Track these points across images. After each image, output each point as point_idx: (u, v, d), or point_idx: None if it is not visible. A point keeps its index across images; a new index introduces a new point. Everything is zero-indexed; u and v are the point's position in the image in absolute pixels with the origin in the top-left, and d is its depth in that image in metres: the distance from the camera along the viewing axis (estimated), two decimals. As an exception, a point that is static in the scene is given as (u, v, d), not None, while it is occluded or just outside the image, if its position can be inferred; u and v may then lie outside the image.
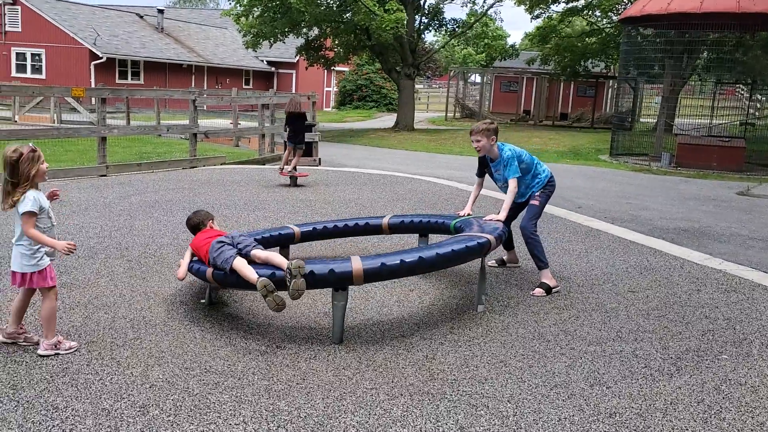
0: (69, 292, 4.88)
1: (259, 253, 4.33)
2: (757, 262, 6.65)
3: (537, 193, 5.51)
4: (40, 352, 3.80)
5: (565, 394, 3.58)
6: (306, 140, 13.15)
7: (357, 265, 4.07)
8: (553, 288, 5.33)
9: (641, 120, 22.52)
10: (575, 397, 3.55)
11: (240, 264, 4.18)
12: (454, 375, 3.76)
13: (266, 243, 5.24)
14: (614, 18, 27.31)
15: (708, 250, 7.12)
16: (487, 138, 5.37)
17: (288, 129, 10.85)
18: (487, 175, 5.77)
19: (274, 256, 4.31)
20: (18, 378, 3.51)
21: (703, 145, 16.64)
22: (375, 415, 3.28)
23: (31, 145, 3.77)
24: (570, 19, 29.68)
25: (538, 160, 5.68)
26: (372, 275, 4.13)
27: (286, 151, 10.91)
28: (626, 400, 3.54)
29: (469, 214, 5.59)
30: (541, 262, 5.37)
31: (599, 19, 29.74)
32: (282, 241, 5.66)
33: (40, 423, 3.08)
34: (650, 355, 4.16)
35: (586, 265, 6.21)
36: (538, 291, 5.26)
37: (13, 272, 3.79)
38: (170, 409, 3.27)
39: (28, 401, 3.27)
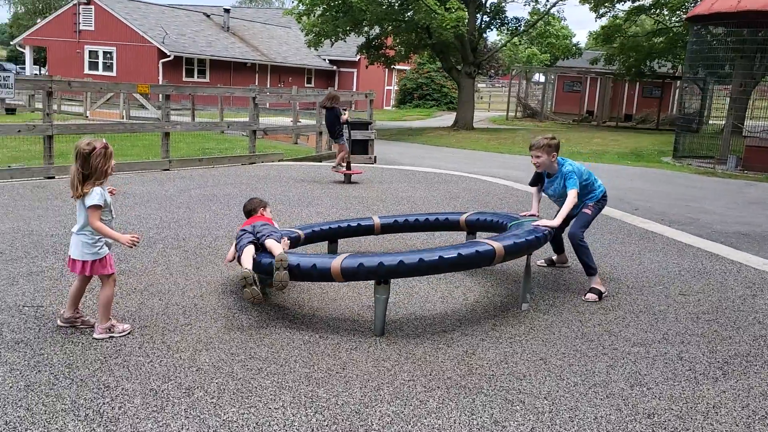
0: (126, 279, 5.10)
1: (268, 242, 4.52)
2: (819, 269, 6.42)
3: (590, 204, 5.42)
4: (95, 335, 3.99)
5: (603, 394, 3.56)
6: (361, 138, 13.33)
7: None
8: (603, 293, 5.25)
9: (710, 122, 21.88)
10: (614, 396, 3.53)
11: (245, 252, 4.43)
12: (492, 370, 3.78)
13: (345, 233, 5.78)
14: (683, 16, 26.59)
15: (768, 255, 6.92)
16: (548, 154, 5.23)
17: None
18: None
19: (274, 247, 4.43)
20: (73, 358, 3.70)
21: (772, 148, 16.06)
22: (410, 405, 3.34)
23: (104, 141, 3.95)
24: (636, 18, 29.03)
25: (595, 176, 5.58)
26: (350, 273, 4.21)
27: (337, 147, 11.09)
28: (666, 402, 3.50)
29: (533, 215, 5.47)
30: (590, 269, 5.26)
31: (667, 17, 28.99)
32: (360, 232, 5.89)
33: (91, 400, 3.25)
34: (696, 359, 4.09)
35: (638, 267, 6.12)
36: (591, 296, 5.15)
37: (74, 260, 3.98)
38: (214, 391, 3.40)
39: (81, 380, 3.45)
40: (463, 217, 5.84)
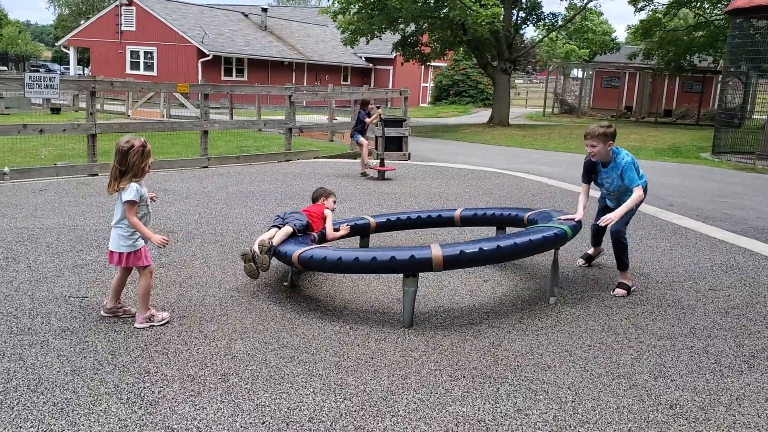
0: (166, 271, 5.31)
1: (284, 227, 5.08)
2: None
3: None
4: (136, 325, 4.19)
5: (627, 385, 3.62)
6: (396, 135, 13.46)
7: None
8: (632, 288, 5.26)
9: (753, 117, 21.44)
10: (637, 387, 3.60)
11: (264, 234, 5.07)
12: (517, 361, 3.87)
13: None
14: (723, 10, 26.11)
15: (804, 251, 6.84)
16: (604, 143, 5.04)
17: None
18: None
19: (278, 234, 4.99)
20: (116, 345, 3.90)
21: (814, 143, 15.72)
22: (436, 393, 3.45)
23: (142, 139, 4.14)
24: (676, 11, 28.60)
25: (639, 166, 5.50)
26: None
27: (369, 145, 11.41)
28: (689, 394, 3.55)
29: (570, 218, 5.12)
30: (624, 265, 5.25)
31: (707, 11, 28.49)
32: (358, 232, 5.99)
33: (133, 384, 3.43)
34: (722, 352, 4.12)
35: (669, 263, 6.13)
36: (620, 291, 5.17)
37: (111, 252, 4.19)
38: (248, 378, 3.55)
39: (124, 365, 3.64)
40: (457, 213, 6.00)
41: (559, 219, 5.10)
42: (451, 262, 4.29)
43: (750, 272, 5.92)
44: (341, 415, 3.21)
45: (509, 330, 4.36)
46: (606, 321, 4.58)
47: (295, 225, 5.11)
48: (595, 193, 5.73)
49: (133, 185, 4.08)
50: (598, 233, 5.82)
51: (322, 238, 5.37)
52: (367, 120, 11.22)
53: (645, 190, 5.37)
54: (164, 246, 4.17)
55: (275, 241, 4.89)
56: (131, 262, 4.16)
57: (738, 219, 8.55)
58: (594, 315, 4.69)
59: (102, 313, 4.33)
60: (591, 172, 5.36)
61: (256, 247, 4.83)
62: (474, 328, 4.39)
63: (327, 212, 5.50)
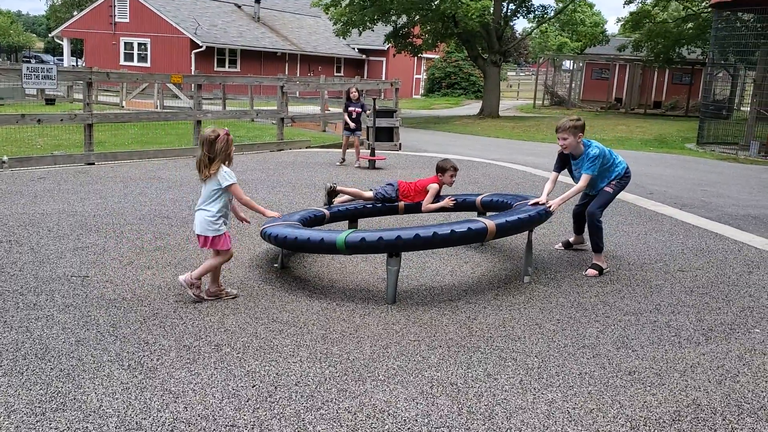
0: (162, 254, 5.58)
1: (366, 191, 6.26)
2: (819, 249, 6.66)
3: (613, 182, 5.55)
4: (203, 295, 4.51)
5: (590, 354, 3.92)
6: (386, 125, 13.72)
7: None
8: (604, 269, 5.54)
9: (742, 108, 21.81)
10: (600, 357, 3.90)
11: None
12: (490, 333, 4.17)
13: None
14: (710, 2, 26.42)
15: (773, 236, 7.16)
16: (574, 136, 5.29)
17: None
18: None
19: (354, 190, 6.27)
20: (117, 319, 4.18)
21: (796, 134, 16.09)
22: (414, 361, 3.74)
23: (226, 129, 4.47)
24: (665, 3, 28.89)
25: (616, 153, 5.70)
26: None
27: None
28: (648, 362, 3.85)
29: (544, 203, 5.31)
30: (598, 247, 5.53)
31: (696, 3, 28.79)
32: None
33: (133, 353, 3.71)
34: (683, 326, 4.42)
35: (642, 246, 6.43)
36: (591, 272, 5.45)
37: (198, 235, 4.49)
38: (240, 348, 3.84)
39: (124, 337, 3.92)
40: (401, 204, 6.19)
41: (528, 203, 5.30)
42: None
43: (719, 255, 6.23)
44: (326, 379, 3.49)
45: (485, 306, 4.66)
46: (576, 298, 4.88)
47: (377, 192, 5.99)
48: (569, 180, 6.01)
49: (225, 168, 4.37)
50: (578, 219, 6.04)
51: (417, 208, 6.07)
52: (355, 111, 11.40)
53: (626, 176, 5.62)
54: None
55: (340, 189, 6.14)
56: (214, 244, 4.46)
57: (714, 206, 8.87)
58: (565, 293, 4.99)
59: (204, 296, 4.56)
60: (563, 163, 5.62)
61: (329, 184, 6.12)
62: (452, 304, 4.69)
63: (432, 186, 5.98)
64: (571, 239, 6.25)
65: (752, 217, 8.28)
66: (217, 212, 4.44)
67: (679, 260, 5.99)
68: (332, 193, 6.16)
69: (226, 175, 4.38)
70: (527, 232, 5.18)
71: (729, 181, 11.72)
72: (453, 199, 6.07)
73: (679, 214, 8.07)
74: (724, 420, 3.19)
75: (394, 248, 4.55)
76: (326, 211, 5.94)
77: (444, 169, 6.07)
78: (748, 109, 19.20)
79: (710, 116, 19.85)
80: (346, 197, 6.19)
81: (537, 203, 5.30)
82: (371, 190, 6.19)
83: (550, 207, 5.28)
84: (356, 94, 11.46)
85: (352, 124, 11.27)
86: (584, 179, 5.39)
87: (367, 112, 11.93)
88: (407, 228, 4.70)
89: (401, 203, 6.10)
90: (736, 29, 19.80)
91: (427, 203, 6.00)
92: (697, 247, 6.46)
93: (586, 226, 5.60)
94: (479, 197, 6.06)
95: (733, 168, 14.31)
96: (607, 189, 5.54)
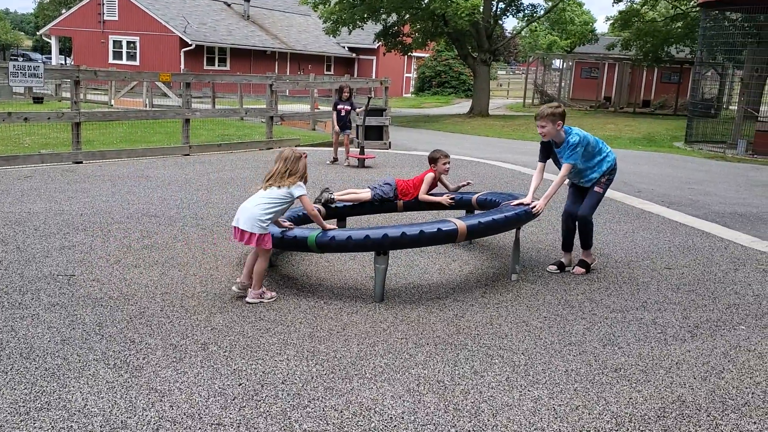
0: (149, 252, 5.56)
1: (362, 191, 6.22)
2: (805, 246, 6.71)
3: (603, 180, 5.38)
4: (247, 299, 4.54)
5: (576, 351, 3.94)
6: (376, 124, 13.72)
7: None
8: (591, 265, 5.55)
9: (731, 107, 21.93)
10: (586, 354, 3.91)
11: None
12: (477, 331, 4.18)
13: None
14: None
15: (759, 233, 7.21)
16: (552, 123, 5.12)
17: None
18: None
19: (351, 193, 6.19)
20: (103, 318, 4.16)
21: (782, 133, 16.20)
22: (401, 358, 3.75)
23: (306, 151, 4.75)
24: (654, 2, 29.01)
25: (604, 142, 5.47)
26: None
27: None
28: (634, 359, 3.87)
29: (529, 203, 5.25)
30: (587, 244, 5.49)
31: (684, 2, 28.93)
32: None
33: (119, 352, 3.70)
34: (669, 323, 4.45)
35: (629, 244, 6.46)
36: (578, 269, 5.46)
37: (242, 230, 4.53)
38: (227, 346, 3.83)
39: (110, 336, 3.91)
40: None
41: (511, 204, 5.26)
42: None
43: (705, 252, 6.27)
44: (312, 377, 3.49)
45: (472, 303, 4.67)
46: (563, 295, 4.90)
47: (375, 192, 5.97)
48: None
49: (300, 183, 4.62)
50: (568, 223, 5.60)
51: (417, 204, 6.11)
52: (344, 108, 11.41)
53: (614, 169, 5.41)
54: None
55: (338, 198, 5.96)
56: (258, 242, 4.51)
57: (701, 204, 8.92)
58: (552, 290, 5.01)
59: (234, 289, 4.63)
60: (548, 152, 5.38)
61: (326, 195, 5.87)
62: (440, 302, 4.70)
63: (428, 176, 6.03)
64: (564, 259, 5.65)
65: (739, 215, 8.33)
66: (271, 215, 4.57)
67: (665, 258, 6.02)
68: (329, 203, 5.90)
69: (301, 186, 4.64)
70: (515, 230, 5.19)
71: (716, 180, 11.79)
72: (452, 198, 6.07)
73: (667, 212, 8.12)
74: (708, 416, 3.21)
75: (357, 249, 4.72)
76: (321, 208, 5.92)
77: (435, 159, 6.11)
78: (736, 107, 19.31)
79: (698, 115, 19.95)
80: (347, 196, 6.14)
81: (521, 203, 5.22)
82: (369, 188, 6.15)
83: (533, 209, 5.16)
84: (347, 93, 11.45)
85: (336, 126, 11.31)
86: (565, 168, 5.21)
87: (357, 110, 11.92)
88: (380, 227, 4.77)
89: (400, 202, 6.11)
90: (723, 28, 19.91)
91: (423, 193, 6.05)
92: (683, 245, 6.50)
93: (578, 226, 5.46)
94: (475, 196, 6.05)
95: (720, 166, 14.39)
96: (597, 189, 5.39)
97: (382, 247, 4.59)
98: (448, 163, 6.15)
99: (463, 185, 6.20)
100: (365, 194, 6.06)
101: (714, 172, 13.09)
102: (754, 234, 7.14)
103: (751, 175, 12.86)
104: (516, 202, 5.30)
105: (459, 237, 4.74)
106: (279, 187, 4.59)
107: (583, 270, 5.47)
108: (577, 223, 5.52)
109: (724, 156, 16.27)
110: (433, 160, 6.13)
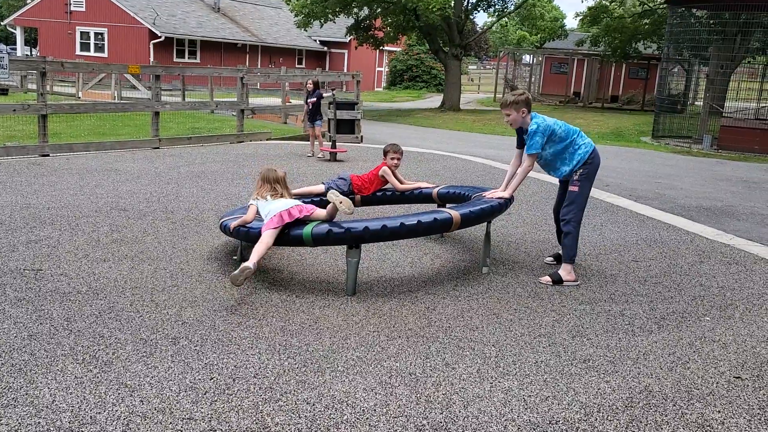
0: (118, 246, 5.49)
1: (316, 186, 6.20)
2: (767, 239, 6.86)
3: (575, 177, 5.04)
4: (247, 264, 4.48)
5: (546, 343, 3.99)
6: (348, 118, 13.70)
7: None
8: (567, 282, 5.03)
9: (696, 103, 22.30)
10: (555, 345, 3.96)
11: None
12: (449, 323, 4.21)
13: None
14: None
15: (723, 226, 7.35)
16: (516, 111, 4.95)
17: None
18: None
19: (307, 188, 6.16)
20: (71, 313, 4.10)
21: (745, 128, 16.54)
22: (373, 351, 3.76)
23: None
24: (623, -1, 29.38)
25: (580, 131, 5.16)
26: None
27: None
28: (602, 350, 3.93)
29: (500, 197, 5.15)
30: (567, 255, 5.07)
31: (652, -1, 29.32)
32: None
33: (88, 347, 3.65)
34: (636, 315, 4.52)
35: (597, 238, 6.55)
36: (546, 279, 5.07)
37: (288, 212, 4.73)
38: (197, 341, 3.81)
39: (79, 331, 3.86)
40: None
41: (485, 196, 5.28)
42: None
43: (671, 245, 6.38)
44: (284, 371, 3.49)
45: (443, 296, 4.70)
46: (533, 288, 4.95)
47: (329, 186, 5.83)
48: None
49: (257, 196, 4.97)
50: (558, 220, 5.34)
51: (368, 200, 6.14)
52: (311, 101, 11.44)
53: (592, 158, 5.06)
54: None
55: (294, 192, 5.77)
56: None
57: (668, 198, 9.07)
58: (522, 283, 5.06)
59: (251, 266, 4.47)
60: (522, 142, 5.18)
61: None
62: (412, 295, 4.72)
63: (384, 169, 6.02)
64: (561, 251, 5.36)
65: (704, 208, 8.49)
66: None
67: (633, 251, 6.11)
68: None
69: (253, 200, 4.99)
70: (486, 223, 5.23)
71: (682, 174, 11.99)
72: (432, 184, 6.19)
73: (634, 206, 8.24)
74: (674, 405, 3.28)
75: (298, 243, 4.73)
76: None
77: (385, 152, 6.16)
78: (702, 103, 19.65)
79: (665, 110, 20.27)
80: (300, 190, 6.04)
81: (492, 197, 5.20)
82: (323, 183, 6.11)
83: (501, 198, 5.12)
84: (311, 85, 11.44)
85: (306, 120, 11.37)
86: (527, 159, 5.02)
87: (324, 95, 11.97)
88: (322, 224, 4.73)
89: (358, 197, 6.08)
90: (690, 25, 20.23)
91: (396, 185, 6.12)
92: (650, 238, 6.61)
93: (563, 231, 5.13)
94: (435, 189, 6.11)
95: (686, 161, 14.64)
96: (573, 189, 5.04)
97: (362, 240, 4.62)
98: (396, 157, 6.12)
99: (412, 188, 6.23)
100: (318, 188, 6.02)
101: (680, 166, 13.32)
102: (719, 227, 7.28)
103: (716, 169, 13.10)
104: (487, 194, 5.29)
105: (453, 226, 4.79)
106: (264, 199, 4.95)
107: (550, 281, 5.03)
108: (563, 229, 5.17)
109: (690, 151, 16.56)
110: (384, 152, 6.18)
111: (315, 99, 11.37)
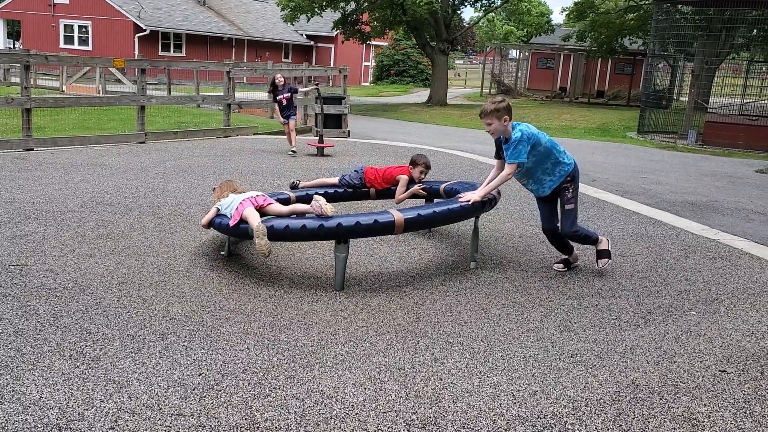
0: (104, 242, 5.46)
1: (330, 178, 6.52)
2: (751, 234, 6.92)
3: (569, 195, 5.02)
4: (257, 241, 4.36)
5: (534, 338, 4.01)
6: (335, 112, 13.66)
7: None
8: (573, 264, 5.32)
9: (681, 98, 22.43)
10: (543, 340, 3.98)
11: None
12: (437, 318, 4.22)
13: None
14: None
15: (708, 221, 7.41)
16: (498, 120, 4.79)
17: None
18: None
19: (319, 179, 6.52)
20: (58, 309, 4.07)
21: (730, 124, 16.66)
22: (362, 347, 3.76)
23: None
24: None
25: (562, 147, 5.08)
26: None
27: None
28: (590, 345, 3.95)
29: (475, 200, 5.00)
30: (590, 240, 5.20)
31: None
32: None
33: (75, 343, 3.63)
34: (623, 310, 4.55)
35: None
36: (603, 261, 5.20)
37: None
38: (186, 336, 3.79)
39: (66, 327, 3.83)
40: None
41: (460, 198, 5.07)
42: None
43: (657, 240, 6.42)
44: (273, 366, 3.48)
45: (432, 291, 4.71)
46: (521, 283, 4.97)
47: (343, 178, 6.16)
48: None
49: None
50: (553, 239, 5.33)
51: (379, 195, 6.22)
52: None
53: (575, 175, 5.05)
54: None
55: (303, 185, 6.30)
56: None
57: (653, 193, 9.12)
58: (510, 278, 5.08)
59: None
60: (500, 149, 5.09)
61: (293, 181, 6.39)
62: (400, 290, 4.72)
63: (402, 177, 6.03)
64: (570, 258, 5.44)
65: (689, 203, 8.54)
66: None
67: (619, 246, 6.15)
68: (294, 188, 6.31)
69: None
70: (473, 219, 5.24)
71: (668, 169, 12.07)
72: (422, 186, 6.08)
73: (620, 201, 8.29)
74: (661, 399, 3.31)
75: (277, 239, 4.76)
76: (291, 195, 5.90)
77: (416, 163, 6.09)
78: (687, 99, 19.77)
79: (651, 106, 20.37)
80: (314, 181, 6.42)
81: (468, 199, 4.99)
82: (338, 176, 6.37)
83: (469, 201, 4.96)
84: (282, 80, 11.20)
85: (281, 117, 11.23)
86: (508, 168, 4.87)
87: (299, 90, 11.87)
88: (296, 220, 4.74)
89: (372, 190, 6.18)
90: (675, 21, 20.34)
91: (399, 194, 6.01)
92: (636, 233, 6.65)
93: (571, 240, 5.22)
94: (443, 186, 6.02)
95: (671, 156, 14.73)
96: (569, 207, 5.04)
97: (338, 236, 4.59)
98: (425, 174, 6.11)
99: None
100: (333, 179, 6.32)
101: (665, 161, 13.40)
102: (704, 222, 7.34)
103: (701, 164, 13.20)
104: (461, 197, 5.07)
105: (397, 229, 4.66)
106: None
107: (607, 261, 5.21)
108: (563, 239, 5.21)
109: (676, 146, 16.66)
110: (414, 163, 6.09)
111: (288, 95, 11.18)
